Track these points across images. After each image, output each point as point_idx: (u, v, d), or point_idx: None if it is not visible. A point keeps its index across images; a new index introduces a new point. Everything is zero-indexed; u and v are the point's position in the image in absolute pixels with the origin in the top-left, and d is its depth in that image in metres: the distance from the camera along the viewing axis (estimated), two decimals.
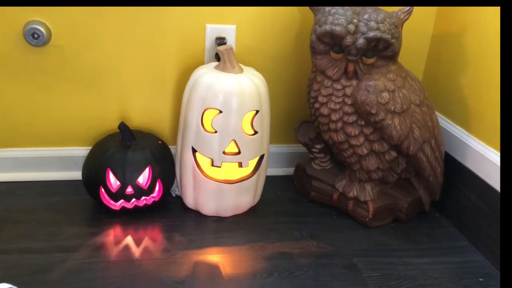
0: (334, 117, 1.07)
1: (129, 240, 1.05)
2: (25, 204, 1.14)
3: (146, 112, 1.24)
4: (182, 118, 1.11)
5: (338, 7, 1.01)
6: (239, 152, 1.08)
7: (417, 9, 1.16)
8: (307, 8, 1.11)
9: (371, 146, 1.08)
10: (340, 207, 1.18)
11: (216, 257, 1.02)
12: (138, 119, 1.24)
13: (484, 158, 1.07)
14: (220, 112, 1.04)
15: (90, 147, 1.15)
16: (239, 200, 1.14)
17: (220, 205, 1.13)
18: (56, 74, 1.17)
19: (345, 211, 1.18)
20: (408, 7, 1.03)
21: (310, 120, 1.17)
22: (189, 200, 1.15)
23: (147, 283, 0.93)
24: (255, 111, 1.07)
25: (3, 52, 1.13)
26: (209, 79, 1.05)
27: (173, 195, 1.22)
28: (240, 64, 1.11)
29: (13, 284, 0.85)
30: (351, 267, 1.01)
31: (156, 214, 1.14)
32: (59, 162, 1.25)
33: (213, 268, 0.98)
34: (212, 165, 1.09)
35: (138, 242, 1.04)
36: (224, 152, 1.07)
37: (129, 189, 1.08)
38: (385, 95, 1.02)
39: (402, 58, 1.07)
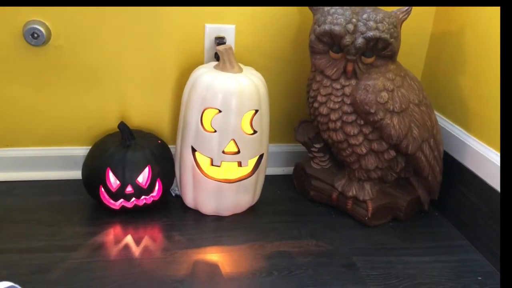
0: (333, 116, 1.07)
1: (128, 239, 1.05)
2: (25, 204, 1.15)
3: (146, 111, 1.25)
4: (182, 117, 1.11)
5: (337, 7, 1.02)
6: (238, 152, 1.08)
7: (416, 9, 1.16)
8: (306, 8, 1.11)
9: (370, 145, 1.08)
10: (339, 206, 1.19)
11: (215, 256, 1.02)
12: (138, 119, 1.25)
13: (483, 158, 1.07)
14: (220, 111, 1.05)
15: (90, 147, 1.15)
16: (239, 199, 1.14)
17: (219, 205, 1.13)
18: (56, 74, 1.17)
19: (344, 210, 1.18)
20: (407, 7, 1.03)
21: (309, 119, 1.17)
22: (189, 200, 1.16)
23: (147, 282, 0.93)
24: (254, 111, 1.07)
25: (3, 51, 1.13)
26: (208, 79, 1.05)
27: (173, 194, 1.22)
28: (240, 64, 1.11)
29: (13, 283, 0.85)
30: (350, 266, 1.01)
31: (156, 213, 1.14)
32: (59, 161, 1.25)
33: (213, 267, 0.99)
34: (212, 164, 1.09)
35: (137, 242, 1.05)
36: (223, 152, 1.07)
37: (129, 189, 1.08)
38: (384, 94, 1.02)
39: (401, 57, 1.07)
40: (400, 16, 1.03)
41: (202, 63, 1.21)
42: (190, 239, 1.07)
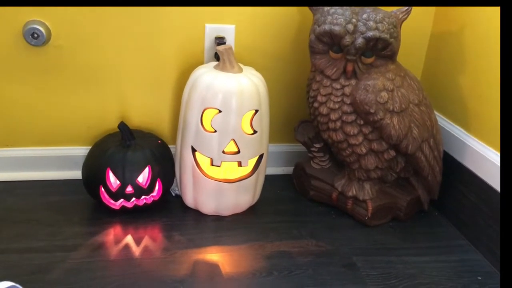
0: (333, 116, 1.07)
1: (129, 239, 1.05)
2: (25, 204, 1.15)
3: (146, 111, 1.25)
4: (182, 117, 1.11)
5: (337, 7, 1.02)
6: (238, 152, 1.08)
7: (415, 8, 1.16)
8: (306, 8, 1.11)
9: (370, 145, 1.08)
10: (339, 206, 1.19)
11: (215, 256, 1.03)
12: (138, 119, 1.25)
13: (483, 158, 1.07)
14: (220, 111, 1.05)
15: (90, 147, 1.15)
16: (239, 199, 1.14)
17: (219, 204, 1.13)
18: (56, 74, 1.17)
19: (344, 210, 1.18)
20: (407, 7, 1.03)
21: (309, 119, 1.17)
22: (189, 200, 1.16)
23: (147, 282, 0.93)
24: (254, 111, 1.07)
25: (3, 52, 1.13)
26: (208, 79, 1.05)
27: (173, 194, 1.22)
28: (240, 64, 1.11)
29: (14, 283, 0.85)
30: (350, 266, 1.01)
31: (156, 213, 1.14)
32: (59, 161, 1.25)
33: (213, 267, 0.99)
34: (212, 164, 1.09)
35: (138, 241, 1.05)
36: (223, 152, 1.07)
37: (129, 189, 1.08)
38: (384, 94, 1.02)
39: (400, 57, 1.07)
40: (400, 16, 1.03)
41: (202, 63, 1.21)
42: (190, 239, 1.07)
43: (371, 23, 0.98)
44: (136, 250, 1.02)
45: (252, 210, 1.19)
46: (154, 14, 1.15)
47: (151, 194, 1.11)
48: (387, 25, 0.99)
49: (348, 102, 1.05)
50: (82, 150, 1.23)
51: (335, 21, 1.00)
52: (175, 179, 1.18)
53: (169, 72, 1.22)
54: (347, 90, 1.05)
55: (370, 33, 0.98)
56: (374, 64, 1.03)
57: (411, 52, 1.28)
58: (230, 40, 1.20)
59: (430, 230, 1.16)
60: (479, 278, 1.00)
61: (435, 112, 1.18)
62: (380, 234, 1.13)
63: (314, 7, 1.06)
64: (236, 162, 1.10)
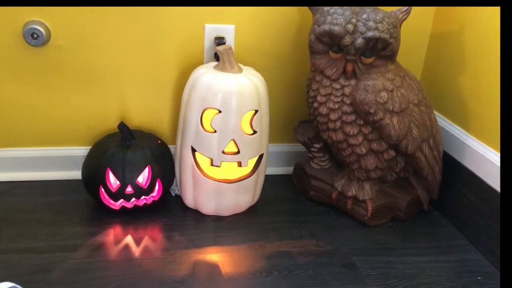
0: (333, 116, 1.07)
1: (128, 239, 1.05)
2: (25, 204, 1.15)
3: (146, 111, 1.25)
4: (182, 117, 1.11)
5: (336, 7, 1.02)
6: (238, 152, 1.08)
7: (415, 8, 1.16)
8: (306, 8, 1.11)
9: (370, 145, 1.08)
10: (339, 206, 1.19)
11: (215, 256, 1.03)
12: (138, 119, 1.25)
13: (483, 158, 1.07)
14: (220, 111, 1.05)
15: (90, 147, 1.16)
16: (239, 199, 1.14)
17: (219, 205, 1.13)
18: (56, 74, 1.17)
19: (344, 210, 1.18)
20: (407, 7, 1.03)
21: (309, 119, 1.17)
22: (189, 200, 1.16)
23: (147, 283, 0.93)
24: (254, 111, 1.07)
25: (3, 52, 1.13)
26: (208, 79, 1.05)
27: (173, 194, 1.22)
28: (239, 64, 1.11)
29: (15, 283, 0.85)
30: (350, 266, 1.02)
31: (156, 213, 1.14)
32: (59, 161, 1.25)
33: (213, 267, 0.99)
34: (212, 164, 1.09)
35: (137, 242, 1.05)
36: (223, 152, 1.08)
37: (129, 189, 1.08)
38: (384, 94, 1.02)
39: (400, 57, 1.07)
40: (400, 16, 1.03)
41: (202, 63, 1.21)
42: (190, 239, 1.07)
43: (371, 23, 0.98)
44: (136, 251, 1.02)
45: (252, 210, 1.19)
46: (154, 14, 1.15)
47: (151, 194, 1.12)
48: (387, 25, 0.99)
49: (348, 102, 1.05)
50: (82, 150, 1.23)
51: (335, 21, 1.00)
52: (175, 179, 1.18)
53: (169, 72, 1.22)
54: (347, 90, 1.05)
55: (370, 33, 0.98)
56: (374, 64, 1.03)
57: (411, 52, 1.28)
58: (230, 40, 1.20)
59: (430, 230, 1.16)
60: (479, 278, 1.00)
61: (435, 112, 1.18)
62: (380, 234, 1.13)
63: (314, 7, 1.06)
64: (236, 162, 1.10)
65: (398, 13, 1.03)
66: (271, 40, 1.23)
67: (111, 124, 1.22)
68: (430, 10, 1.27)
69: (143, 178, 1.09)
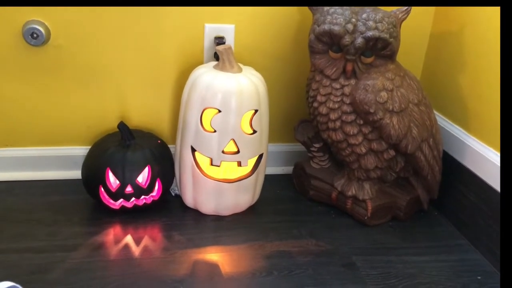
0: (332, 116, 1.07)
1: (128, 239, 1.05)
2: (25, 204, 1.15)
3: (146, 111, 1.25)
4: (181, 117, 1.11)
5: (336, 7, 1.02)
6: (238, 151, 1.08)
7: (415, 8, 1.16)
8: (306, 8, 1.11)
9: (370, 145, 1.08)
10: (339, 205, 1.19)
11: (215, 256, 1.03)
12: (138, 119, 1.25)
13: (483, 157, 1.07)
14: (219, 111, 1.05)
15: (90, 147, 1.15)
16: (238, 199, 1.14)
17: (219, 204, 1.13)
18: (55, 74, 1.17)
19: (344, 210, 1.18)
20: (407, 7, 1.03)
21: (309, 119, 1.17)
22: (189, 199, 1.16)
23: (147, 282, 0.93)
24: (254, 111, 1.07)
25: (2, 51, 1.13)
26: (208, 79, 1.05)
27: (173, 194, 1.22)
28: (239, 64, 1.11)
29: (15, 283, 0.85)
30: (350, 265, 1.02)
31: (156, 213, 1.14)
32: (59, 161, 1.25)
33: (213, 267, 0.99)
34: (211, 164, 1.09)
35: (137, 241, 1.05)
36: (223, 152, 1.07)
37: (129, 189, 1.08)
38: (384, 94, 1.02)
39: (400, 57, 1.07)
40: (400, 15, 1.03)
41: (201, 63, 1.21)
42: (190, 238, 1.07)
43: (370, 23, 0.98)
44: (136, 250, 1.02)
45: (251, 210, 1.19)
46: (154, 14, 1.15)
47: (151, 194, 1.12)
48: (386, 25, 0.99)
49: (348, 102, 1.05)
50: (81, 150, 1.23)
51: (334, 20, 1.00)
52: (174, 179, 1.18)
53: (168, 72, 1.22)
54: (346, 90, 1.05)
55: (369, 33, 0.98)
56: (374, 64, 1.03)
57: (411, 52, 1.28)
58: (230, 40, 1.20)
59: (430, 230, 1.16)
60: (479, 277, 1.01)
61: (435, 112, 1.18)
62: (379, 234, 1.13)
63: (314, 7, 1.06)
64: (236, 162, 1.10)
65: (398, 12, 1.03)
66: (271, 40, 1.23)
67: (111, 124, 1.22)
68: (430, 9, 1.27)
69: (143, 177, 1.09)
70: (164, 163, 1.13)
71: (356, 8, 1.01)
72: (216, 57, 1.16)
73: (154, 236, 1.07)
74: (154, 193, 1.12)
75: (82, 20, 1.13)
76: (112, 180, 1.08)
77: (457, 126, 1.19)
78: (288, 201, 1.24)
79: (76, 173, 1.19)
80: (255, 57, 1.22)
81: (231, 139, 1.07)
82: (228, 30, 1.19)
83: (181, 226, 1.11)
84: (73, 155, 1.24)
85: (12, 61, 1.14)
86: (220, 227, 1.12)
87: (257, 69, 1.13)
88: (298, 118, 1.23)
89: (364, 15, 0.99)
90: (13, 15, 1.10)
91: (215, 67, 1.09)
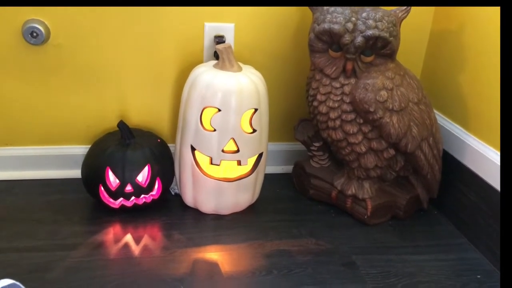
0: (332, 115, 1.07)
1: (128, 238, 1.05)
2: (25, 203, 1.15)
3: (145, 110, 1.25)
4: (181, 116, 1.11)
5: (336, 6, 1.01)
6: (238, 150, 1.08)
7: (415, 7, 1.16)
8: (306, 7, 1.11)
9: (370, 144, 1.08)
10: (339, 204, 1.19)
11: (215, 255, 1.03)
12: (137, 118, 1.25)
13: (483, 157, 1.07)
14: (219, 110, 1.05)
15: (89, 146, 1.15)
16: (238, 198, 1.14)
17: (219, 203, 1.13)
18: (55, 73, 1.17)
19: (343, 209, 1.18)
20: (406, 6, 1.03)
21: (309, 118, 1.17)
22: (188, 198, 1.16)
23: (147, 281, 0.93)
24: (253, 110, 1.07)
25: (2, 51, 1.13)
26: (208, 78, 1.05)
27: (172, 193, 1.22)
28: (239, 63, 1.11)
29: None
30: (350, 264, 1.02)
31: (155, 212, 1.14)
32: (59, 160, 1.25)
33: (212, 266, 0.99)
34: (211, 163, 1.09)
35: (137, 240, 1.05)
36: (223, 151, 1.07)
37: (129, 188, 1.08)
38: (383, 93, 1.02)
39: (400, 56, 1.07)
40: (400, 14, 1.03)
41: (201, 61, 1.21)
42: (190, 237, 1.07)
43: (370, 22, 0.98)
44: (136, 249, 1.02)
45: (251, 209, 1.19)
46: (154, 13, 1.15)
47: (151, 193, 1.12)
48: (386, 24, 0.99)
49: (348, 101, 1.05)
50: (81, 149, 1.23)
51: (334, 19, 1.00)
52: (174, 178, 1.18)
53: (168, 71, 1.22)
54: (346, 89, 1.05)
55: (369, 32, 0.98)
56: (374, 63, 1.03)
57: (411, 51, 1.27)
58: (230, 39, 1.20)
59: (430, 229, 1.16)
60: (478, 276, 1.01)
61: (435, 111, 1.18)
62: (379, 233, 1.13)
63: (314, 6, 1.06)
64: (236, 161, 1.10)
65: (397, 11, 1.03)
66: (270, 39, 1.23)
67: (111, 123, 1.22)
68: (430, 8, 1.27)
69: (142, 176, 1.09)
70: (164, 162, 1.13)
71: (356, 7, 1.01)
72: (216, 56, 1.16)
73: (154, 235, 1.07)
74: (154, 192, 1.12)
75: (82, 19, 1.13)
76: (112, 179, 1.08)
77: (457, 125, 1.19)
78: (288, 200, 1.24)
79: (76, 172, 1.19)
80: (255, 56, 1.22)
81: (231, 138, 1.07)
82: (228, 29, 1.19)
83: (181, 225, 1.11)
84: (73, 154, 1.24)
85: (12, 60, 1.14)
86: (220, 226, 1.12)
87: (257, 68, 1.13)
88: (298, 117, 1.23)
89: (364, 14, 0.99)
90: (13, 14, 1.10)
91: (215, 66, 1.09)
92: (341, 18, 0.99)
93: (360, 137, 1.07)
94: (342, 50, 1.02)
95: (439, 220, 1.20)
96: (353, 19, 0.99)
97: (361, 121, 1.06)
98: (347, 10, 1.00)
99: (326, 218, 1.17)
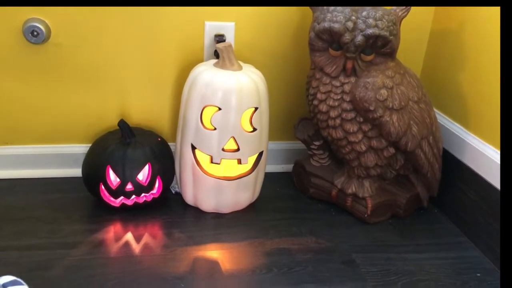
0: (332, 114, 1.07)
1: (129, 236, 1.06)
2: (25, 202, 1.15)
3: (146, 109, 1.25)
4: (182, 115, 1.11)
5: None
6: (238, 149, 1.08)
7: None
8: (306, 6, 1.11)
9: (370, 142, 1.08)
10: (339, 203, 1.19)
11: (215, 253, 1.03)
12: (138, 116, 1.25)
13: (483, 155, 1.07)
14: (219, 109, 1.05)
15: (90, 144, 1.16)
16: (238, 196, 1.15)
17: (219, 202, 1.14)
18: (56, 72, 1.17)
19: (343, 208, 1.18)
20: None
21: (309, 117, 1.17)
22: (189, 197, 1.16)
23: (147, 279, 0.93)
24: (254, 108, 1.08)
25: (3, 50, 1.13)
26: (208, 77, 1.05)
27: (173, 191, 1.22)
28: (239, 61, 1.11)
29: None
30: (350, 262, 1.02)
31: (156, 210, 1.14)
32: (59, 159, 1.25)
33: (213, 264, 0.99)
34: (212, 162, 1.09)
35: (138, 239, 1.05)
36: (223, 149, 1.08)
37: (129, 186, 1.08)
38: (384, 92, 1.02)
39: (400, 55, 1.07)
40: (400, 13, 1.03)
41: (201, 60, 1.21)
42: (190, 236, 1.07)
43: (370, 21, 0.98)
44: (136, 248, 1.02)
45: (251, 207, 1.19)
46: (154, 12, 1.15)
47: (151, 192, 1.12)
48: (386, 23, 0.99)
49: (348, 99, 1.05)
50: (82, 148, 1.23)
51: (334, 18, 1.00)
52: (175, 177, 1.18)
53: (168, 69, 1.22)
54: (346, 87, 1.05)
55: (369, 31, 0.98)
56: (374, 61, 1.04)
57: (411, 50, 1.28)
58: (230, 38, 1.20)
59: (430, 227, 1.16)
60: (478, 275, 1.01)
61: (435, 110, 1.18)
62: (379, 231, 1.13)
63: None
64: (236, 160, 1.10)
65: (397, 10, 1.03)
66: (271, 38, 1.23)
67: (111, 122, 1.22)
68: (430, 7, 1.27)
69: (143, 175, 1.09)
70: (165, 160, 1.13)
71: (356, 6, 1.01)
72: (216, 55, 1.16)
73: (154, 234, 1.08)
74: (154, 191, 1.12)
75: (82, 18, 1.13)
76: (113, 178, 1.08)
77: (457, 124, 1.19)
78: (288, 199, 1.24)
79: (76, 171, 1.19)
80: (255, 55, 1.23)
81: (231, 137, 1.07)
82: (228, 28, 1.19)
83: (181, 223, 1.11)
84: (74, 153, 1.25)
85: (12, 59, 1.14)
86: (220, 224, 1.12)
87: (257, 67, 1.13)
88: (298, 116, 1.23)
89: (364, 13, 0.99)
90: (14, 13, 1.10)
91: (215, 65, 1.09)
92: (341, 17, 0.99)
93: (360, 136, 1.07)
94: (342, 49, 1.02)
95: (439, 218, 1.20)
96: (353, 18, 0.99)
97: (361, 119, 1.06)
98: (347, 9, 1.00)
99: (326, 216, 1.17)
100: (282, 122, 1.31)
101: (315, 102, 1.09)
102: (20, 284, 0.84)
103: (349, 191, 1.15)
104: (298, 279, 0.96)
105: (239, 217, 1.15)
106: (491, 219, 1.04)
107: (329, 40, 1.03)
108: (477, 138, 1.11)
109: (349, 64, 1.03)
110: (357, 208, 1.15)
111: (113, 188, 1.08)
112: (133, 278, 0.93)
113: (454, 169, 1.16)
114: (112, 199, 1.10)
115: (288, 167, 1.34)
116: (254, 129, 1.09)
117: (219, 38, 1.18)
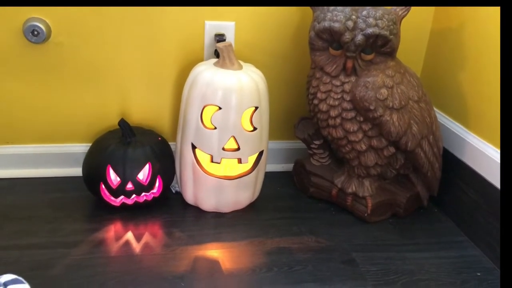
0: (333, 113, 1.07)
1: (129, 236, 1.06)
2: (26, 201, 1.15)
3: (146, 108, 1.25)
4: (182, 114, 1.12)
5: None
6: (238, 148, 1.08)
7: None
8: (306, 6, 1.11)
9: (370, 142, 1.08)
10: (339, 202, 1.19)
11: (215, 252, 1.03)
12: (138, 116, 1.25)
13: (483, 154, 1.07)
14: (220, 108, 1.05)
15: (90, 144, 1.16)
16: (239, 196, 1.15)
17: (219, 201, 1.14)
18: (56, 71, 1.17)
19: (344, 207, 1.18)
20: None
21: (309, 116, 1.17)
22: (189, 196, 1.16)
23: (147, 278, 0.93)
24: (254, 108, 1.08)
25: (3, 49, 1.13)
26: (208, 76, 1.05)
27: (173, 191, 1.22)
28: (239, 61, 1.11)
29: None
30: (350, 262, 1.02)
31: (156, 210, 1.14)
32: (59, 158, 1.25)
33: (213, 264, 0.99)
34: (212, 161, 1.09)
35: (138, 238, 1.05)
36: (223, 149, 1.08)
37: (129, 185, 1.08)
38: (384, 91, 1.02)
39: (400, 54, 1.07)
40: (400, 13, 1.03)
41: (202, 60, 1.21)
42: (191, 235, 1.07)
43: (370, 20, 0.98)
44: (137, 247, 1.02)
45: (252, 206, 1.19)
46: (154, 11, 1.15)
47: (152, 191, 1.12)
48: (386, 22, 0.99)
49: (348, 99, 1.05)
50: (82, 147, 1.23)
51: (334, 18, 1.00)
52: (175, 176, 1.18)
53: (169, 69, 1.22)
54: (346, 87, 1.05)
55: (369, 30, 0.98)
56: (374, 61, 1.04)
57: (411, 49, 1.28)
58: (230, 37, 1.20)
59: (430, 227, 1.16)
60: (478, 274, 1.01)
61: (435, 109, 1.18)
62: (379, 231, 1.13)
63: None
64: (236, 159, 1.10)
65: (398, 9, 1.03)
66: (271, 37, 1.23)
67: (112, 121, 1.22)
68: (430, 7, 1.27)
69: (143, 174, 1.09)
70: (165, 160, 1.14)
71: (356, 6, 1.01)
72: (217, 54, 1.16)
73: (154, 233, 1.08)
74: (154, 190, 1.12)
75: (83, 17, 1.13)
76: (113, 177, 1.08)
77: (457, 123, 1.19)
78: (288, 198, 1.25)
79: (77, 170, 1.19)
80: (255, 54, 1.23)
81: (231, 136, 1.07)
82: (228, 27, 1.19)
83: (181, 222, 1.12)
84: (74, 152, 1.25)
85: (13, 58, 1.14)
86: (220, 224, 1.12)
87: (257, 66, 1.13)
88: (298, 115, 1.23)
89: (364, 12, 0.99)
90: (14, 13, 1.10)
91: (216, 64, 1.09)
92: (342, 16, 0.99)
93: (360, 135, 1.08)
94: (343, 48, 1.02)
95: (439, 217, 1.20)
96: (353, 17, 0.99)
97: (361, 119, 1.06)
98: (347, 8, 1.00)
99: (326, 216, 1.18)
100: (282, 122, 1.31)
101: (315, 101, 1.09)
102: (21, 282, 0.84)
103: (349, 190, 1.15)
104: (298, 278, 0.96)
105: (240, 216, 1.15)
106: (491, 218, 1.04)
107: (329, 39, 1.03)
108: (477, 137, 1.11)
109: (349, 64, 1.03)
110: (357, 207, 1.15)
111: (114, 187, 1.08)
112: (133, 277, 0.93)
113: (454, 168, 1.16)
114: (112, 198, 1.10)
115: (288, 167, 1.34)
116: (255, 129, 1.09)
117: (219, 38, 1.18)
